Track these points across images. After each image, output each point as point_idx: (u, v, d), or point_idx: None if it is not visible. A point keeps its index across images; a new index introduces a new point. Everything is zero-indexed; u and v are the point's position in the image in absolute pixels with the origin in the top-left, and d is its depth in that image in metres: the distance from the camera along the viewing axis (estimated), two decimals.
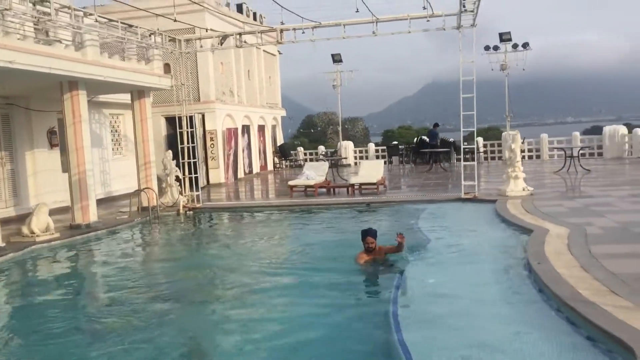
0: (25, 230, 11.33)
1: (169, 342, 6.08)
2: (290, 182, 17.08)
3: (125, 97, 16.88)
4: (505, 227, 10.52)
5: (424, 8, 13.53)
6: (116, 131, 19.67)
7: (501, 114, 24.56)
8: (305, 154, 30.94)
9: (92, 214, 13.08)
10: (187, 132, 16.13)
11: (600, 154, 25.47)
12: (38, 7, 11.40)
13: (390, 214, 13.65)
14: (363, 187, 16.63)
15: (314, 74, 33.10)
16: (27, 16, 11.00)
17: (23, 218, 12.43)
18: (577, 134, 26.48)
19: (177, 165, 16.02)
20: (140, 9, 17.41)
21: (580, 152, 21.53)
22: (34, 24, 11.44)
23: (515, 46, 22.80)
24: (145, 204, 14.89)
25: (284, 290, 7.97)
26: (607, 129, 25.32)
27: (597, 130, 35.49)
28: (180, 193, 15.90)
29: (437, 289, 7.24)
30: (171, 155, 16.12)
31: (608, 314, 5.04)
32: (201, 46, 17.38)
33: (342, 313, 6.64)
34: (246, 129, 25.56)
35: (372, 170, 17.14)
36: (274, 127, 29.64)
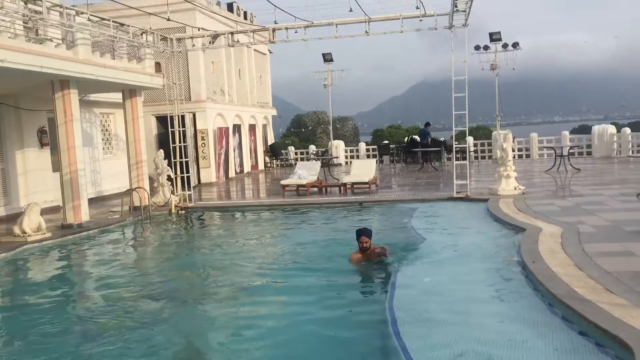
0: (16, 230, 11.26)
1: (162, 342, 6.07)
2: (283, 182, 17.06)
3: (116, 97, 16.81)
4: (499, 226, 10.56)
5: (417, 8, 13.56)
6: (107, 130, 19.58)
7: (491, 114, 24.70)
8: (296, 154, 30.92)
9: (84, 214, 13.02)
10: (179, 131, 16.09)
11: (589, 153, 25.71)
12: (30, 5, 11.31)
13: (382, 212, 13.68)
14: (355, 186, 16.65)
15: (304, 73, 33.10)
16: (19, 15, 10.91)
17: (13, 218, 12.35)
18: (567, 133, 26.70)
19: (169, 164, 15.99)
20: (132, 7, 17.31)
21: (570, 151, 21.71)
22: (24, 23, 11.35)
23: (505, 46, 22.91)
24: (137, 203, 14.83)
25: (276, 289, 7.96)
26: (596, 129, 25.57)
27: (585, 130, 35.80)
28: (172, 192, 15.86)
29: (432, 288, 7.27)
30: (163, 154, 16.08)
31: (605, 311, 5.08)
32: (193, 45, 17.32)
33: (336, 312, 6.65)
34: (237, 128, 25.52)
35: (364, 169, 17.16)
36: (264, 126, 29.60)
